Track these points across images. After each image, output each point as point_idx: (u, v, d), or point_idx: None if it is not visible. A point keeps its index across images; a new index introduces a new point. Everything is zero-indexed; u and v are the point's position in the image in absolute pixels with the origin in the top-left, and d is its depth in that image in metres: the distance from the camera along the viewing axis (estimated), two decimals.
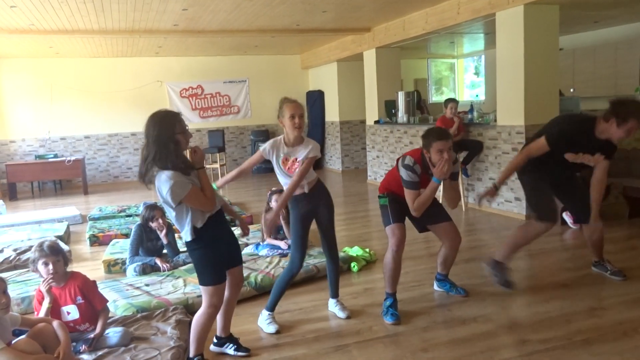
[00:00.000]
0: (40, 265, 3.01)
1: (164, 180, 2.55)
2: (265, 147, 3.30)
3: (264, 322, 3.38)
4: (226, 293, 2.94)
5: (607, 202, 6.02)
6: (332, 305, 3.59)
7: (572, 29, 8.75)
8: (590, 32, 9.13)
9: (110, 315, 3.42)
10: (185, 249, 3.35)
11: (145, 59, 11.55)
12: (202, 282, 2.71)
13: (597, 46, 8.90)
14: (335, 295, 3.59)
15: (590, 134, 3.61)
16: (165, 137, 2.57)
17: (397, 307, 3.51)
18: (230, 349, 3.04)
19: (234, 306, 3.07)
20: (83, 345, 2.97)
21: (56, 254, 3.03)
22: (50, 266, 2.99)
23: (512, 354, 2.90)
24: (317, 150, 3.27)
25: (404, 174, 3.39)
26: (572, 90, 8.93)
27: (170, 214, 2.68)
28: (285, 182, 3.29)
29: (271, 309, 3.41)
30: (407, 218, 3.58)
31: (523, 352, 2.92)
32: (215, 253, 2.71)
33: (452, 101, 6.91)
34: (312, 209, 3.33)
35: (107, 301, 3.26)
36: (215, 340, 3.09)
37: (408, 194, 3.40)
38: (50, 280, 3.01)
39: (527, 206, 4.04)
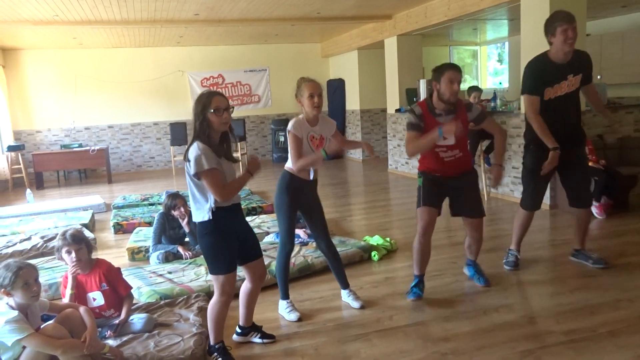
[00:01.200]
0: (64, 254, 3.08)
1: (193, 149, 2.58)
2: (293, 127, 3.20)
3: (285, 311, 3.40)
4: (247, 285, 2.98)
5: (633, 192, 5.89)
6: (345, 296, 3.57)
7: (599, 13, 8.51)
8: (618, 17, 8.88)
9: (134, 302, 3.48)
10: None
11: (166, 48, 11.63)
12: (212, 271, 2.72)
13: (625, 31, 8.65)
14: (345, 286, 3.58)
15: (548, 62, 3.64)
16: (198, 114, 2.60)
17: (423, 288, 3.54)
18: (255, 338, 3.07)
19: (256, 298, 3.06)
20: (108, 331, 3.04)
21: (79, 242, 3.09)
22: (73, 254, 3.05)
23: (535, 345, 2.87)
24: (334, 124, 3.39)
25: (407, 117, 3.45)
26: (599, 77, 8.71)
27: (191, 190, 2.65)
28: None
29: (285, 296, 3.44)
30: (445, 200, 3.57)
31: (546, 344, 2.88)
32: (225, 243, 2.70)
33: (475, 90, 6.81)
34: (302, 196, 3.30)
35: (131, 288, 3.31)
36: (238, 330, 3.10)
37: (406, 136, 3.43)
38: (76, 268, 3.07)
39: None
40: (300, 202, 3.32)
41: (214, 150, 2.60)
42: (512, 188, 6.60)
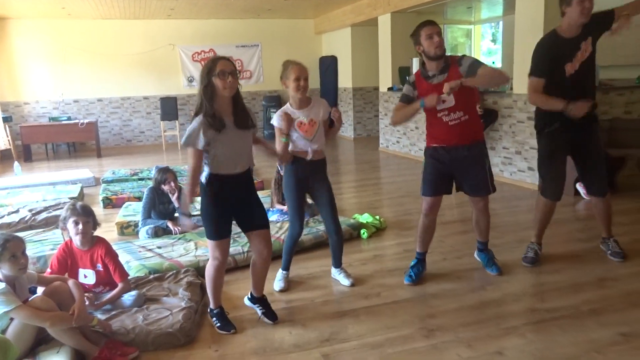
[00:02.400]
0: (70, 224, 3.05)
1: (195, 121, 2.63)
2: (276, 120, 3.23)
3: (276, 279, 3.52)
4: (253, 256, 3.01)
5: (621, 174, 5.94)
6: (336, 274, 3.60)
7: None
8: None
9: None
10: (196, 212, 3.38)
11: (157, 21, 11.43)
12: (206, 234, 2.81)
13: None
14: (338, 264, 3.60)
15: (559, 38, 3.43)
16: (203, 78, 2.60)
17: (421, 270, 3.55)
18: (259, 310, 3.09)
19: (263, 271, 3.03)
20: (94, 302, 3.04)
21: (87, 215, 3.07)
22: (80, 226, 3.03)
23: (520, 322, 2.92)
24: (328, 107, 3.33)
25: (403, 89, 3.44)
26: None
27: None
28: (305, 144, 3.24)
29: (285, 268, 3.54)
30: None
31: (530, 320, 2.93)
32: (217, 210, 2.74)
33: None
34: (307, 179, 3.31)
35: (127, 275, 3.25)
36: (249, 296, 3.16)
37: (397, 104, 3.43)
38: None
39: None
40: (306, 183, 3.33)
41: (217, 119, 2.59)
42: (501, 168, 6.63)
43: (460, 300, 3.23)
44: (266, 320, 3.03)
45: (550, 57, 3.43)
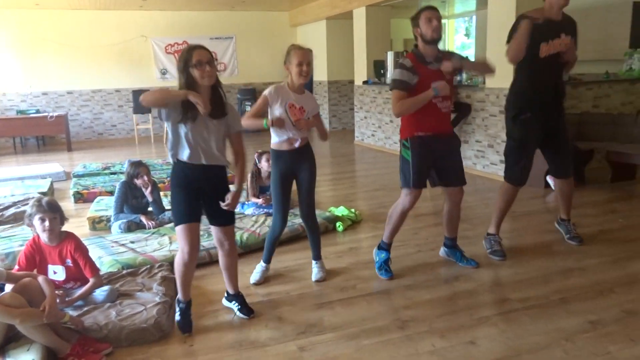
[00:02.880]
0: (36, 220, 2.97)
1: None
2: (269, 90, 3.16)
3: (254, 270, 3.51)
4: (219, 254, 2.99)
5: (589, 166, 6.09)
6: (314, 266, 3.60)
7: None
8: None
9: None
10: (170, 207, 3.34)
11: (129, 12, 11.21)
12: (174, 223, 2.77)
13: (588, 9, 8.80)
14: (317, 257, 3.59)
15: (542, 17, 3.49)
16: (181, 71, 2.57)
17: (390, 262, 3.57)
18: (235, 307, 3.06)
19: (231, 267, 3.01)
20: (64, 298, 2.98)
21: (54, 211, 2.99)
22: (47, 223, 2.95)
23: (492, 312, 2.98)
24: (318, 104, 3.34)
25: (392, 74, 3.34)
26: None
27: None
28: (287, 131, 3.18)
29: (265, 260, 3.52)
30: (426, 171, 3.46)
31: (502, 310, 2.99)
32: (180, 196, 2.70)
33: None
34: (294, 168, 3.29)
35: (98, 270, 3.19)
36: (225, 295, 3.13)
37: (393, 96, 3.26)
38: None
39: (504, 158, 3.91)
40: (292, 173, 3.30)
41: (192, 111, 2.55)
42: (474, 161, 6.73)
43: (434, 292, 3.28)
44: (241, 315, 3.02)
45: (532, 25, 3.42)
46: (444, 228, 3.72)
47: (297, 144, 3.23)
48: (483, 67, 3.49)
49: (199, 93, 2.56)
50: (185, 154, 2.66)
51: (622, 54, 7.59)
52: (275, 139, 3.26)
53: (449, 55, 3.31)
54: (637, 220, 4.55)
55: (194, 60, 2.53)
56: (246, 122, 3.11)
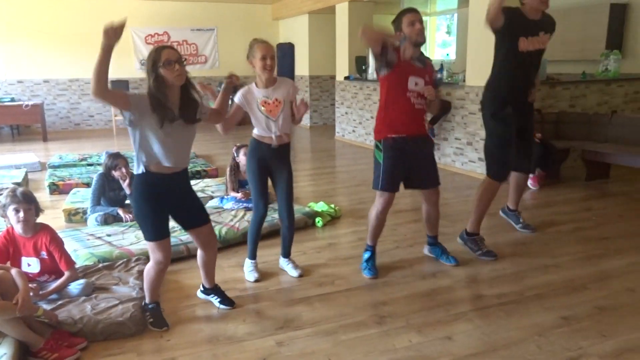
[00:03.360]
0: (10, 211, 2.90)
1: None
2: (238, 96, 3.19)
3: (247, 269, 3.48)
4: (199, 251, 2.96)
5: (565, 165, 6.20)
6: (284, 264, 3.57)
7: None
8: None
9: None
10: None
11: (109, 0, 11.00)
12: (144, 236, 2.71)
13: (568, 9, 8.93)
14: (286, 254, 3.57)
15: (522, 14, 3.54)
16: (150, 72, 2.50)
17: (375, 261, 3.56)
18: (215, 300, 3.05)
19: (211, 263, 3.01)
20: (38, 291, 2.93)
21: (29, 202, 2.93)
22: (21, 213, 2.89)
23: (468, 308, 3.02)
24: (296, 88, 3.28)
25: None
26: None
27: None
28: (268, 130, 3.18)
29: (252, 256, 3.48)
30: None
31: (478, 306, 3.04)
32: (151, 209, 2.63)
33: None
34: (271, 163, 3.27)
35: (74, 263, 3.13)
36: (201, 288, 3.12)
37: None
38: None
39: (485, 154, 3.91)
40: (268, 167, 3.28)
41: (167, 112, 2.49)
42: (453, 159, 6.79)
43: (412, 288, 3.30)
44: (224, 307, 3.01)
45: (511, 17, 3.45)
46: (425, 227, 3.75)
47: (274, 142, 3.20)
48: (434, 106, 3.42)
49: (168, 94, 2.51)
50: (157, 162, 2.58)
51: (599, 54, 7.73)
52: (258, 131, 3.25)
53: (433, 66, 3.39)
54: (610, 218, 4.65)
55: (162, 59, 2.46)
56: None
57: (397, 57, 3.21)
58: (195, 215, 2.83)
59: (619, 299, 3.08)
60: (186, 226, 2.84)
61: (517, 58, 3.57)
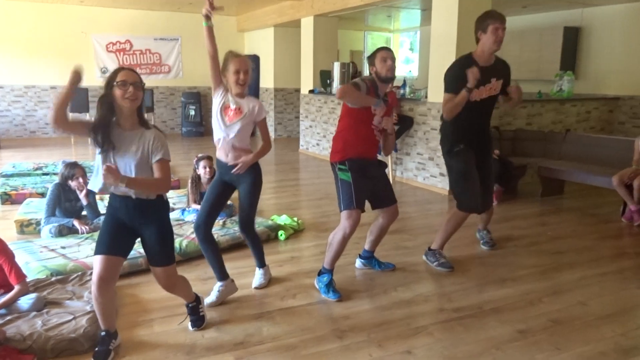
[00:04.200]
0: None
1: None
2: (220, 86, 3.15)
3: (214, 290, 3.28)
4: None
5: (522, 181, 6.39)
6: (257, 273, 3.56)
7: (502, 11, 9.02)
8: (518, 17, 9.48)
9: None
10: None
11: (68, 6, 10.75)
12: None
13: (524, 30, 9.27)
14: (260, 265, 3.54)
15: (473, 62, 3.64)
16: (104, 89, 2.42)
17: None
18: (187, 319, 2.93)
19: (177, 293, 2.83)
20: None
21: None
22: None
23: (428, 322, 3.05)
24: (264, 109, 3.23)
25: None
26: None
27: None
28: (222, 133, 3.14)
29: (221, 278, 3.27)
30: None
31: (438, 320, 3.07)
32: (107, 224, 2.52)
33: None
34: (231, 178, 3.22)
35: (24, 277, 3.01)
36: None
37: (347, 86, 3.30)
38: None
39: (451, 191, 4.07)
40: (228, 181, 3.23)
41: (104, 136, 2.38)
42: (415, 173, 6.89)
43: (373, 301, 3.32)
44: (194, 328, 2.90)
45: (460, 77, 3.58)
46: (368, 242, 3.80)
47: (229, 159, 3.16)
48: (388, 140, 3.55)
49: (117, 114, 2.42)
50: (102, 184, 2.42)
51: (553, 75, 8.04)
52: (216, 142, 3.23)
53: (394, 100, 3.53)
54: (564, 233, 4.80)
55: (118, 79, 2.38)
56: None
57: (366, 87, 3.36)
58: (152, 252, 2.59)
59: (573, 312, 3.17)
60: (147, 258, 2.66)
61: (471, 103, 3.67)
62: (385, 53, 3.36)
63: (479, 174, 3.87)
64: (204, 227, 3.20)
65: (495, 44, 3.59)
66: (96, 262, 2.47)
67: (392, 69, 3.35)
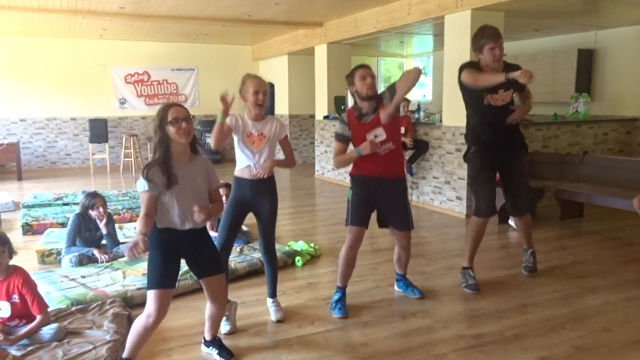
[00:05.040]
0: None
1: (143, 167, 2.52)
2: (230, 118, 3.14)
3: (223, 320, 3.22)
4: (207, 303, 2.79)
5: (540, 204, 6.32)
6: (269, 304, 3.50)
7: (515, 35, 9.08)
8: (531, 40, 9.51)
9: None
10: (124, 240, 3.25)
11: (88, 41, 11.08)
12: (147, 285, 2.57)
13: (537, 54, 9.28)
14: (272, 295, 3.49)
15: (481, 69, 3.72)
16: (156, 130, 2.48)
17: (345, 302, 3.54)
18: (214, 352, 2.91)
19: (217, 316, 2.84)
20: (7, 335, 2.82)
21: (2, 244, 2.86)
22: None
23: (448, 349, 3.00)
24: (284, 126, 3.31)
25: (336, 127, 3.52)
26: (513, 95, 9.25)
27: None
28: (251, 160, 3.17)
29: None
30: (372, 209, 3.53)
31: (458, 347, 3.02)
32: (160, 257, 2.53)
33: (404, 100, 7.03)
34: (252, 199, 3.22)
35: (46, 307, 3.04)
36: (203, 340, 2.98)
37: (335, 146, 3.50)
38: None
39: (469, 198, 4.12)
40: (247, 205, 3.24)
41: (161, 164, 2.45)
42: (432, 197, 6.87)
43: (392, 328, 3.28)
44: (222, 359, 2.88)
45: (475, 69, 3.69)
46: (395, 265, 3.83)
47: (253, 172, 3.18)
48: (408, 83, 3.34)
49: (174, 150, 2.50)
50: (170, 221, 2.53)
51: (569, 97, 8.01)
52: (238, 166, 3.24)
53: (381, 97, 3.41)
54: (585, 257, 4.72)
55: (169, 117, 2.45)
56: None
57: (348, 129, 3.42)
58: (207, 263, 2.68)
59: (596, 339, 3.10)
60: (198, 273, 2.72)
61: (483, 108, 3.77)
62: (363, 71, 3.35)
63: (505, 177, 3.92)
64: (225, 253, 3.25)
65: (494, 62, 3.65)
66: (154, 297, 2.49)
67: (373, 85, 3.34)
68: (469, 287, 3.87)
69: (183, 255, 2.63)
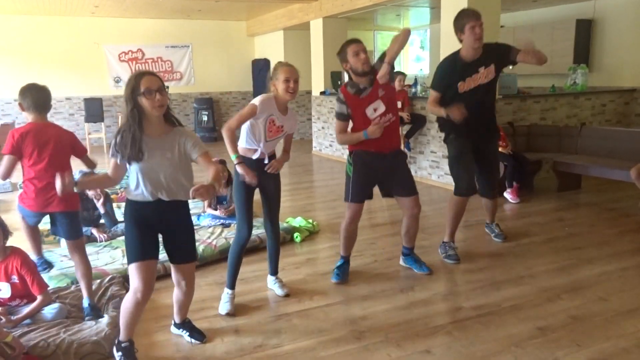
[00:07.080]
0: None
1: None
2: (257, 102, 3.06)
3: (222, 300, 3.24)
4: (175, 288, 2.76)
5: (538, 176, 6.33)
6: (271, 283, 3.52)
7: (513, 7, 8.97)
8: (529, 11, 9.40)
9: None
10: (122, 219, 3.24)
11: (80, 18, 10.91)
12: (127, 259, 2.52)
13: (535, 25, 9.19)
14: (274, 272, 3.52)
15: (459, 60, 3.76)
16: (128, 99, 2.33)
17: (347, 270, 3.61)
18: (184, 334, 2.89)
19: (183, 304, 2.81)
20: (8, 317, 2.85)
21: None
22: None
23: (446, 321, 3.04)
24: (296, 125, 3.36)
25: (335, 106, 3.49)
26: (510, 67, 9.18)
27: None
28: (259, 146, 3.13)
29: (231, 286, 3.26)
30: (374, 181, 3.55)
31: (456, 319, 3.06)
32: (135, 229, 2.46)
33: (400, 74, 6.99)
34: (259, 177, 3.19)
35: (46, 287, 3.05)
36: (173, 323, 2.96)
37: (336, 124, 3.48)
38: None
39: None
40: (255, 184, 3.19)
41: (131, 135, 2.33)
42: (429, 172, 6.87)
43: (390, 301, 3.31)
44: (194, 341, 2.85)
45: (445, 76, 3.80)
46: (402, 238, 3.79)
47: (256, 155, 3.17)
48: (398, 44, 3.34)
49: (145, 123, 2.37)
50: (141, 192, 2.44)
51: (567, 68, 7.95)
52: (244, 144, 3.17)
53: (376, 71, 3.35)
54: (582, 229, 4.75)
55: (142, 88, 2.28)
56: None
57: (347, 107, 3.39)
58: (180, 249, 2.61)
59: (592, 309, 3.14)
60: (170, 257, 2.66)
61: (460, 95, 3.77)
62: (355, 47, 3.27)
63: (479, 161, 3.98)
64: (249, 236, 3.25)
65: (476, 41, 3.64)
66: (136, 270, 2.41)
67: (367, 60, 3.28)
68: (449, 257, 3.96)
69: (159, 229, 2.53)
